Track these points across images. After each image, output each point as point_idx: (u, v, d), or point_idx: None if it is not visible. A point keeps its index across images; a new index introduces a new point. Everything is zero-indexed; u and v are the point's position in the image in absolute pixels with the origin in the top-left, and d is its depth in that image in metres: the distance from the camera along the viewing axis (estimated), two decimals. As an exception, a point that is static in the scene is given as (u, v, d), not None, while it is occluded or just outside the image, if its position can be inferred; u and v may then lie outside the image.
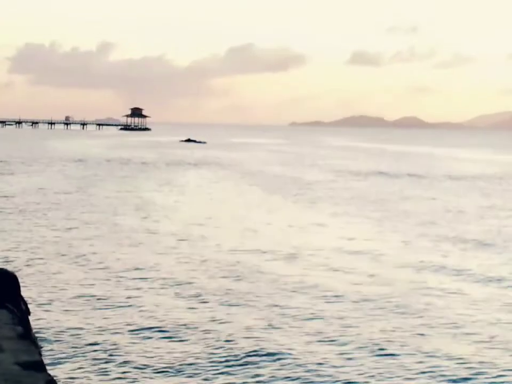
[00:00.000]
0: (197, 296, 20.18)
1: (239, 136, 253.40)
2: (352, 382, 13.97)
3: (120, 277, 22.40)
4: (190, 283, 21.72)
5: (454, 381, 14.19)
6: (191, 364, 14.62)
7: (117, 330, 16.72)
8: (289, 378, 14.03)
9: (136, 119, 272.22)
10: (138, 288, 20.84)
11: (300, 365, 14.69)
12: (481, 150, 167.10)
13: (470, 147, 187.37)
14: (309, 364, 14.82)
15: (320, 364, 14.86)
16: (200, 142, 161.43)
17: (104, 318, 17.76)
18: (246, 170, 73.78)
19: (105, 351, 15.26)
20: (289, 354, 15.33)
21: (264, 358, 15.07)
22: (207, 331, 16.86)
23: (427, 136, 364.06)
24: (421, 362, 15.12)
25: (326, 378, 14.10)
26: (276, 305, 19.26)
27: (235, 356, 15.14)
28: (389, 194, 51.45)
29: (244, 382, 13.81)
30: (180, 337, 16.38)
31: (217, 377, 14.00)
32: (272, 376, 14.08)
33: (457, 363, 15.10)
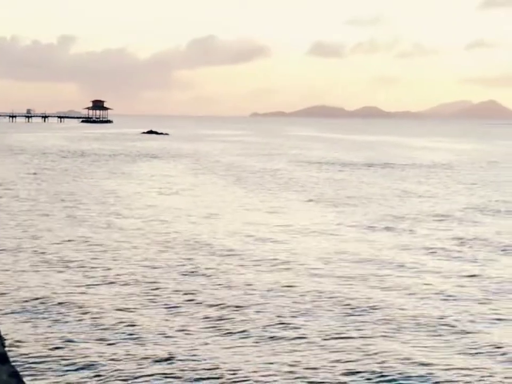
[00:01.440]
0: (154, 289, 20.80)
1: (202, 127, 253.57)
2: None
3: (79, 266, 22.93)
4: (145, 276, 22.16)
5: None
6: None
7: (74, 325, 16.95)
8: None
9: (98, 111, 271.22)
10: (95, 285, 20.96)
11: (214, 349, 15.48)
12: (439, 138, 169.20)
13: (428, 136, 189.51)
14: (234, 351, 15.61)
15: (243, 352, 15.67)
16: (162, 134, 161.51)
17: (61, 312, 18.27)
18: (207, 161, 74.31)
19: (64, 343, 15.68)
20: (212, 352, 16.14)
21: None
22: (161, 332, 17.55)
23: (387, 126, 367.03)
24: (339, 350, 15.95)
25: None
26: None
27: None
28: (346, 182, 52.44)
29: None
30: (137, 334, 16.90)
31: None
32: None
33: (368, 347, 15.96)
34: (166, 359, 14.50)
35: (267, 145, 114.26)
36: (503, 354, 15.07)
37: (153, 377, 13.63)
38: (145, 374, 13.76)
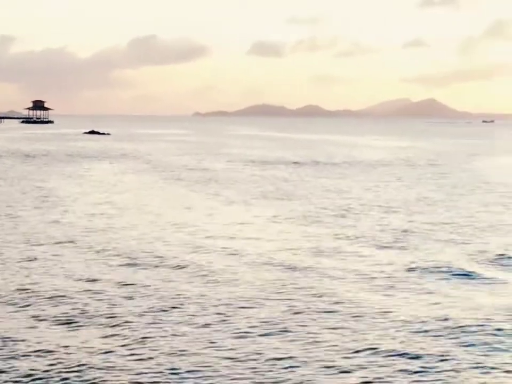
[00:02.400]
0: (94, 282, 21.49)
1: (144, 127, 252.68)
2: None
3: (21, 268, 23.42)
4: (85, 273, 22.75)
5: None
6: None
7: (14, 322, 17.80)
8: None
9: (38, 111, 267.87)
10: (36, 282, 21.45)
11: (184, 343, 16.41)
12: (379, 137, 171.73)
13: (368, 134, 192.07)
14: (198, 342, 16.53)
15: (212, 342, 16.43)
16: (104, 134, 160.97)
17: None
18: (149, 161, 74.65)
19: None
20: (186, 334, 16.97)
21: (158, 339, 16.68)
22: (108, 317, 18.33)
23: (328, 124, 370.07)
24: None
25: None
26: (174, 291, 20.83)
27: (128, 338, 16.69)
28: (285, 181, 53.52)
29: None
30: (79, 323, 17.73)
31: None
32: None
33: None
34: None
35: (209, 145, 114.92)
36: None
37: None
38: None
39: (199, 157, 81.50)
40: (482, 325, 17.13)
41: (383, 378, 13.96)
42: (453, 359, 14.91)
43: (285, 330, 16.78)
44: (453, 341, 16.04)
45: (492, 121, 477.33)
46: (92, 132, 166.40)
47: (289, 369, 14.34)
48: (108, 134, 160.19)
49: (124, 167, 66.80)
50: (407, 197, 44.17)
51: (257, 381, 13.88)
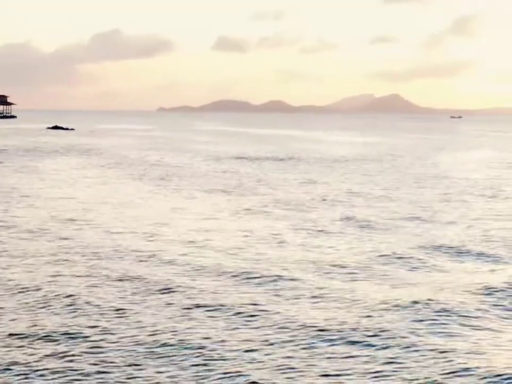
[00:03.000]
0: (57, 274, 21.88)
1: (108, 122, 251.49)
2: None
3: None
4: (49, 267, 23.02)
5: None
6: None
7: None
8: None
9: (1, 106, 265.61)
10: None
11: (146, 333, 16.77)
12: (343, 132, 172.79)
13: (332, 130, 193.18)
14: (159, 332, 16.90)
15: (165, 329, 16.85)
16: (67, 129, 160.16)
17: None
18: (113, 156, 74.66)
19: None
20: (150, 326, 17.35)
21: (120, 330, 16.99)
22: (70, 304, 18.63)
23: (292, 120, 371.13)
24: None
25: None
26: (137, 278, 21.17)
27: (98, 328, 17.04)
28: (248, 176, 53.91)
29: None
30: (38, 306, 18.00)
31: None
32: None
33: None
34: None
35: (174, 140, 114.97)
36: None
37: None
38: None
39: (163, 152, 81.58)
40: (429, 303, 18.09)
41: (347, 359, 14.40)
42: (407, 338, 15.42)
43: (249, 320, 17.20)
44: (407, 317, 16.71)
45: (460, 117, 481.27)
46: (56, 127, 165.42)
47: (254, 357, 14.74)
48: (72, 129, 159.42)
49: (87, 162, 66.75)
50: (368, 190, 44.80)
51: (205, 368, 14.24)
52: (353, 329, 16.42)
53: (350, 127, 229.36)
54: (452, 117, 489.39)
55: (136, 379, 13.61)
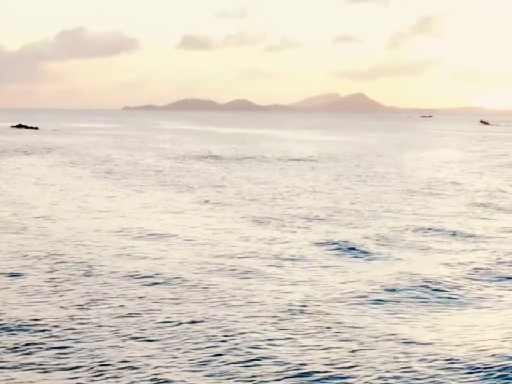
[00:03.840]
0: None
1: (73, 121, 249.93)
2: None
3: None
4: (8, 266, 23.32)
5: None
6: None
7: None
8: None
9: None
10: None
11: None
12: (308, 131, 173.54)
13: (297, 129, 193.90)
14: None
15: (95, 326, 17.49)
16: (32, 128, 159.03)
17: None
18: (77, 155, 74.52)
19: None
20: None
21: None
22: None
23: (257, 119, 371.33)
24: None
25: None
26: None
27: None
28: (211, 174, 54.38)
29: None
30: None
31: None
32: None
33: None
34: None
35: (138, 139, 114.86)
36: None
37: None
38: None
39: (128, 151, 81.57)
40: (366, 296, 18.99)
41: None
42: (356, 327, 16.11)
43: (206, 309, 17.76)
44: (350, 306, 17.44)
45: (431, 116, 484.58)
46: (20, 126, 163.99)
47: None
48: (36, 128, 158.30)
49: (52, 161, 66.61)
50: (327, 186, 45.58)
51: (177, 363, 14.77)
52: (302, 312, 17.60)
53: (315, 125, 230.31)
54: (422, 116, 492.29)
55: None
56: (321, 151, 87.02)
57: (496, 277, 22.23)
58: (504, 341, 15.90)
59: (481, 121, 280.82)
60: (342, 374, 13.94)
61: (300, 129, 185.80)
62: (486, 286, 21.23)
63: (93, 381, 13.68)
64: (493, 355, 14.97)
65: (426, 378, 13.88)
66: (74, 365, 14.37)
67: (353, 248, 26.10)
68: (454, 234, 29.64)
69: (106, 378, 13.77)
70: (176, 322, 16.95)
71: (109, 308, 18.10)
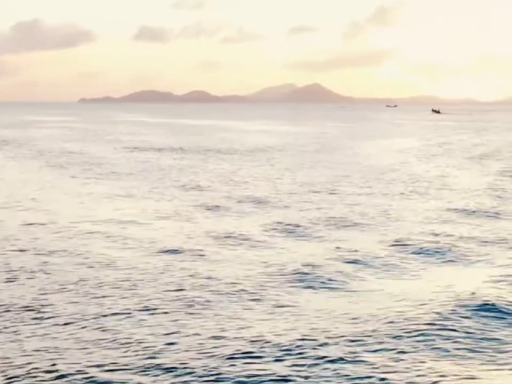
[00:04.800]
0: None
1: (28, 113, 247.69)
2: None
3: None
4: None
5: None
6: None
7: None
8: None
9: None
10: None
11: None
12: (266, 121, 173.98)
13: (255, 119, 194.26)
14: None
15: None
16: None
17: None
18: (32, 148, 73.70)
19: None
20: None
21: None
22: None
23: (215, 110, 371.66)
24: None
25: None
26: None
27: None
28: (170, 167, 54.06)
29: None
30: None
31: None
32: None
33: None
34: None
35: (95, 131, 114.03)
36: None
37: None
38: None
39: (84, 144, 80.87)
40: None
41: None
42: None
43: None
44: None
45: (396, 106, 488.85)
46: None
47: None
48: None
49: (6, 154, 65.82)
50: (282, 175, 45.57)
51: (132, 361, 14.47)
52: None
53: (273, 116, 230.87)
54: (387, 106, 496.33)
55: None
56: (279, 141, 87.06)
57: (417, 249, 24.51)
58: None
59: (433, 110, 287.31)
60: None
61: (258, 120, 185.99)
62: (403, 258, 23.35)
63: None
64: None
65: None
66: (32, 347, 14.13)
67: (296, 230, 27.81)
68: (387, 213, 32.25)
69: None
70: (128, 308, 16.67)
71: (65, 293, 17.74)
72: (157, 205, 34.65)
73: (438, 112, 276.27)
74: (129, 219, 30.27)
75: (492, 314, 16.84)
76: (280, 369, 13.53)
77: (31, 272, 20.91)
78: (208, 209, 33.14)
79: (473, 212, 32.67)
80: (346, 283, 20.02)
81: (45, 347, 14.72)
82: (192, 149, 72.28)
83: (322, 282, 19.99)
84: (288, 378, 13.18)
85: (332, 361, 13.87)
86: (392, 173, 50.42)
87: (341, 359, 13.95)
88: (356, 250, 23.80)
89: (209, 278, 20.20)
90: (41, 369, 13.56)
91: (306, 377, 13.23)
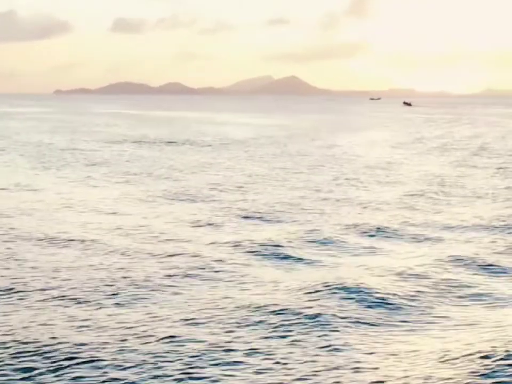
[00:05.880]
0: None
1: (2, 105, 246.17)
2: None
3: None
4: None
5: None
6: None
7: None
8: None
9: None
10: None
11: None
12: (242, 114, 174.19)
13: (231, 111, 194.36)
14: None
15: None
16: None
17: None
18: (7, 139, 73.46)
19: None
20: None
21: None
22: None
23: (191, 102, 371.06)
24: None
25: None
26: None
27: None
28: (146, 159, 54.27)
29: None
30: None
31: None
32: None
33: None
34: None
35: (71, 123, 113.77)
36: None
37: None
38: None
39: (60, 136, 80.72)
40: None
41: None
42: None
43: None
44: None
45: (379, 99, 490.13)
46: None
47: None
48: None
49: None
50: (260, 171, 46.01)
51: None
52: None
53: (251, 108, 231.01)
54: (371, 99, 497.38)
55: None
56: (255, 134, 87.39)
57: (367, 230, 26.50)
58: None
59: (404, 103, 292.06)
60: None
61: (235, 112, 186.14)
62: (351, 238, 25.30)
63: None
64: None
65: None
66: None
67: (254, 216, 29.34)
68: (347, 199, 34.60)
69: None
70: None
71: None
72: (126, 192, 35.22)
73: (409, 104, 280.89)
74: (102, 206, 31.10)
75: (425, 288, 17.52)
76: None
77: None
78: (177, 198, 34.23)
79: (412, 196, 35.85)
80: (299, 259, 21.91)
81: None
82: (166, 141, 72.42)
83: (278, 258, 21.95)
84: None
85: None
86: (355, 161, 53.43)
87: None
88: (311, 231, 25.76)
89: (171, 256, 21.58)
90: None
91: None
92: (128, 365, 13.39)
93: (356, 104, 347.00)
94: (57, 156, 55.50)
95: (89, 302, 17.26)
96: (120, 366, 13.34)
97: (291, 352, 14.02)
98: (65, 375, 13.04)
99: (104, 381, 12.79)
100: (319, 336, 14.86)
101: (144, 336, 14.78)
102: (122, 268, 20.49)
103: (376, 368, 13.23)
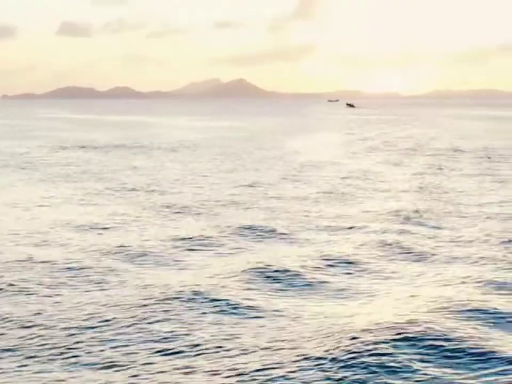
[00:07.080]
0: None
1: None
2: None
3: None
4: None
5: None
6: None
7: None
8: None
9: None
10: None
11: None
12: (191, 117, 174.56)
13: (180, 115, 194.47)
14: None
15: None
16: None
17: None
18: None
19: None
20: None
21: None
22: None
23: (139, 106, 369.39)
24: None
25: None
26: None
27: None
28: (93, 163, 54.89)
29: None
30: None
31: None
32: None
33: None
34: None
35: (18, 128, 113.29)
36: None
37: None
38: None
39: (6, 141, 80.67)
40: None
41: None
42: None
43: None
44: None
45: (337, 101, 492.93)
46: None
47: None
48: None
49: None
50: (201, 173, 47.19)
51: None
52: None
53: (199, 112, 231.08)
54: (329, 101, 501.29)
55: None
56: (202, 137, 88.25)
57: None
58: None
59: (347, 104, 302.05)
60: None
61: (183, 116, 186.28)
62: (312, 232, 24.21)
63: None
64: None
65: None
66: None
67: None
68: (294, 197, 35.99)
69: None
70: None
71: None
72: (80, 202, 35.62)
73: (352, 106, 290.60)
74: (50, 217, 31.42)
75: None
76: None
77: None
78: (119, 196, 35.68)
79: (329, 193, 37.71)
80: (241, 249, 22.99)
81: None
82: (112, 145, 72.90)
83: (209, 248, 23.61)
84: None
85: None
86: (288, 161, 55.45)
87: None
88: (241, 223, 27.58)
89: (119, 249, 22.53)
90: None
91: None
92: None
93: (302, 106, 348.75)
94: (1, 160, 55.69)
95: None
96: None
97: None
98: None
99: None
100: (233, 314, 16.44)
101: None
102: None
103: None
